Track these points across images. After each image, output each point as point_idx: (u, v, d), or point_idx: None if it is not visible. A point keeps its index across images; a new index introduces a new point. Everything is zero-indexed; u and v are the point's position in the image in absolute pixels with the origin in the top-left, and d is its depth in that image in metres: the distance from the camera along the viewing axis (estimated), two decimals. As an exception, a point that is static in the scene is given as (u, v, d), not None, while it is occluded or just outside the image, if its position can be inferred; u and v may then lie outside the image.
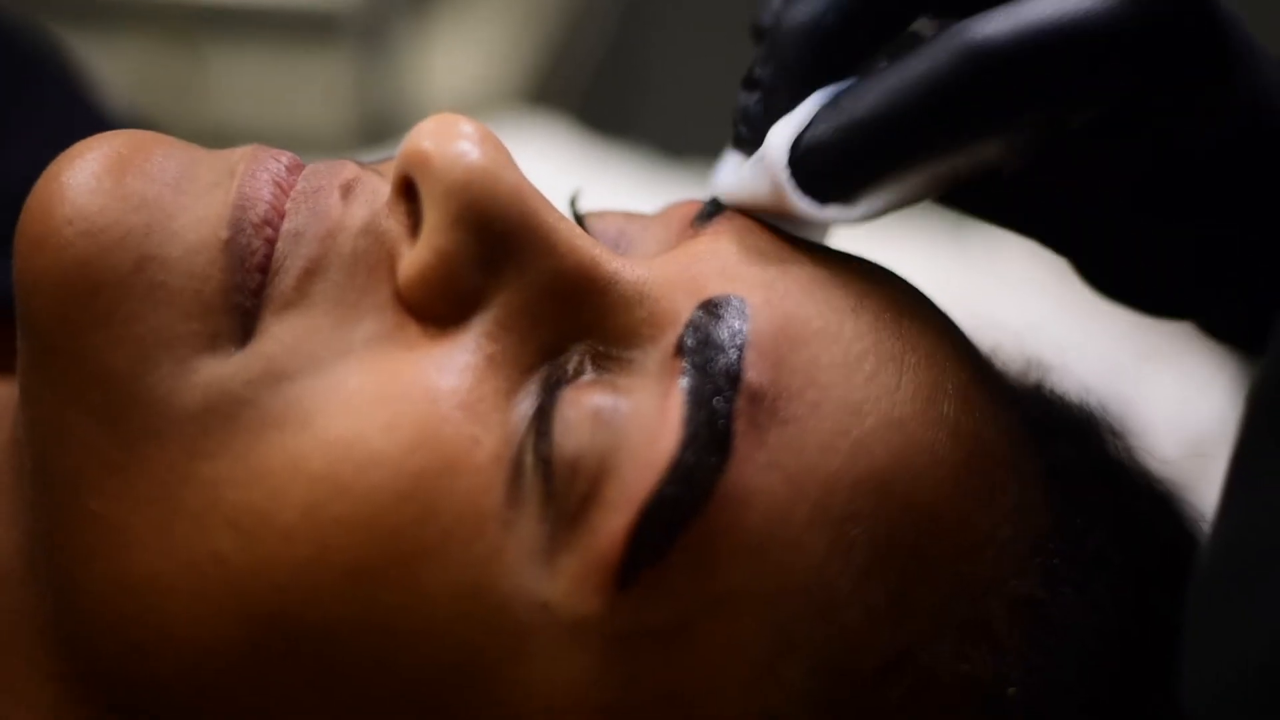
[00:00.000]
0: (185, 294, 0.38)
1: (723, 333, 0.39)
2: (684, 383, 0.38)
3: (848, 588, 0.38)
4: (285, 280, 0.39)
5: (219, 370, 0.38)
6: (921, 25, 0.44)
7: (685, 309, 0.40)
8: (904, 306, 0.43)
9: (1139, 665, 0.40)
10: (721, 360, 0.38)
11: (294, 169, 0.41)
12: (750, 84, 0.44)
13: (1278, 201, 0.43)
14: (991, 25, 0.39)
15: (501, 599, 0.37)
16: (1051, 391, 0.50)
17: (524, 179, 0.40)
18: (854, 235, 0.49)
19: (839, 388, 0.39)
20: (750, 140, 0.44)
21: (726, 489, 0.37)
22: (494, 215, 0.39)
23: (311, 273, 0.39)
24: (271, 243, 0.39)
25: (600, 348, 0.40)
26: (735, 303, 0.39)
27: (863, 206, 0.43)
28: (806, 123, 0.42)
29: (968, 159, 0.42)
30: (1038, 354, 0.51)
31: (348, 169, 0.41)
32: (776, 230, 0.43)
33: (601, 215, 0.46)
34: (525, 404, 0.39)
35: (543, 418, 0.39)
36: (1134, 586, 0.43)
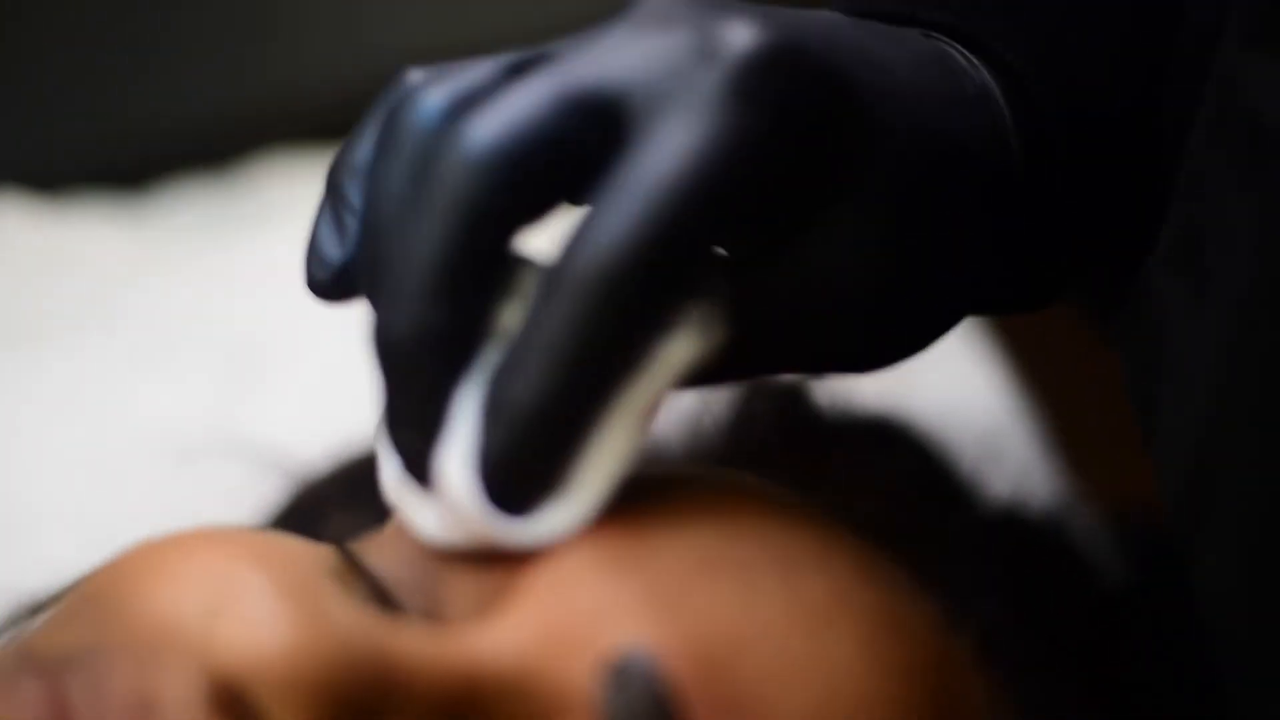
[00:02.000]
0: None
1: (647, 706, 0.33)
2: None
3: None
4: None
5: None
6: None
7: (578, 675, 0.34)
8: (781, 547, 0.37)
9: None
10: None
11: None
12: (394, 420, 0.35)
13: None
14: (603, 234, 0.32)
15: None
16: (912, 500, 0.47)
17: (345, 621, 0.34)
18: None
19: (786, 699, 0.34)
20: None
21: None
22: (340, 683, 0.33)
23: None
24: None
25: None
26: (640, 660, 0.33)
27: (585, 490, 0.35)
28: (475, 439, 0.34)
29: (658, 378, 0.35)
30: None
31: (116, 681, 0.33)
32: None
33: (380, 546, 0.38)
34: None
35: None
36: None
